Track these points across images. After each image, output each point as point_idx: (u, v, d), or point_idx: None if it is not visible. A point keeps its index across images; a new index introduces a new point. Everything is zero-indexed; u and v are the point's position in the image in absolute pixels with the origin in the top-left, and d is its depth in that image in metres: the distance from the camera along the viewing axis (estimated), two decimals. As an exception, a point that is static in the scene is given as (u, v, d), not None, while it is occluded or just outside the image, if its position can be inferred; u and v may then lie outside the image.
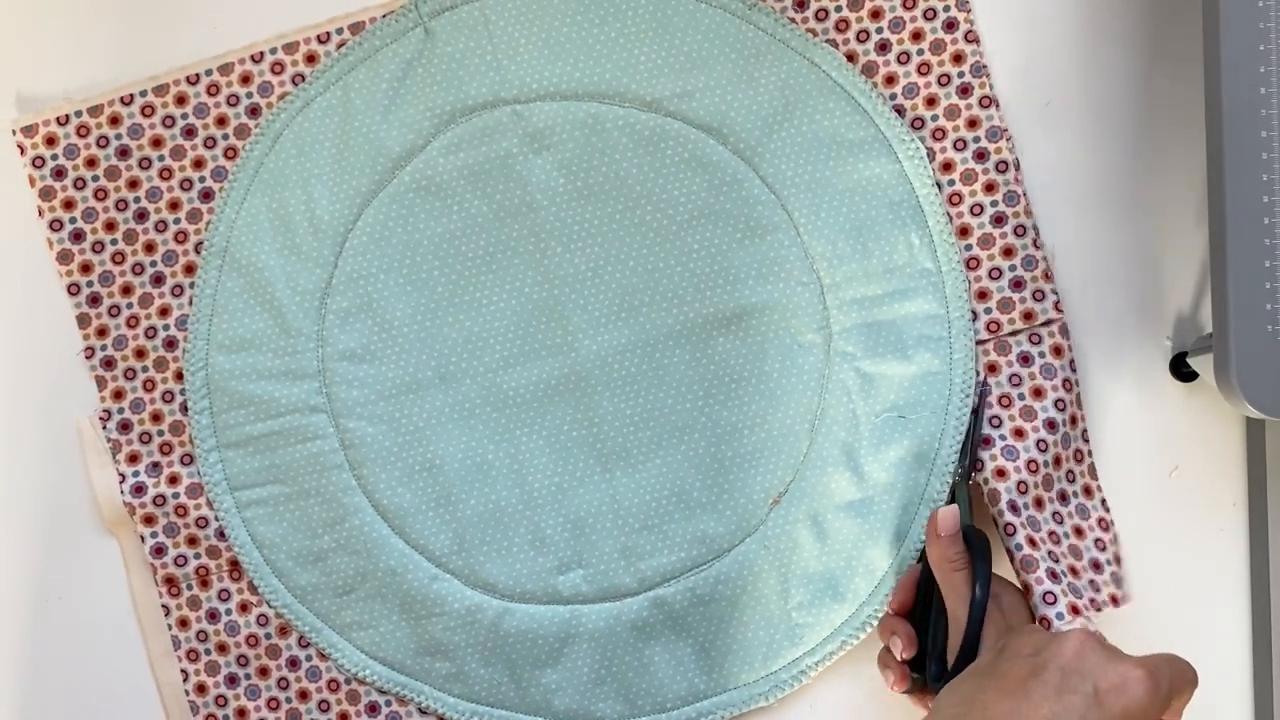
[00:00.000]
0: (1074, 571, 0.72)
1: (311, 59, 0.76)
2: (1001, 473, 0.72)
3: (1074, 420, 0.74)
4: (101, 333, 0.77)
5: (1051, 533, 0.72)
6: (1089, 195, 0.76)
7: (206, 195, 0.77)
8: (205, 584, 0.77)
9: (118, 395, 0.77)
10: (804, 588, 0.74)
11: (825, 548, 0.74)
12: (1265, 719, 0.75)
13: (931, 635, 0.70)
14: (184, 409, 0.77)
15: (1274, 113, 0.67)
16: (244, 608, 0.77)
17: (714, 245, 0.74)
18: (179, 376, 0.77)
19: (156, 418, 0.77)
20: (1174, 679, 0.60)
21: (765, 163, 0.74)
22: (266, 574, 0.77)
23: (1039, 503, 0.72)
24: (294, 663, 0.77)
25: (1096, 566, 0.73)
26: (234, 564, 0.77)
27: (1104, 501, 0.75)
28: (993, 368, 0.74)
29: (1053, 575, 0.69)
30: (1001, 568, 0.70)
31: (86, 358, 0.78)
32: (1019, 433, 0.73)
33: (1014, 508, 0.71)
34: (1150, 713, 0.58)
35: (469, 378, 0.75)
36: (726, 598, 0.74)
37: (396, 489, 0.75)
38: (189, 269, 0.77)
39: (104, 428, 0.77)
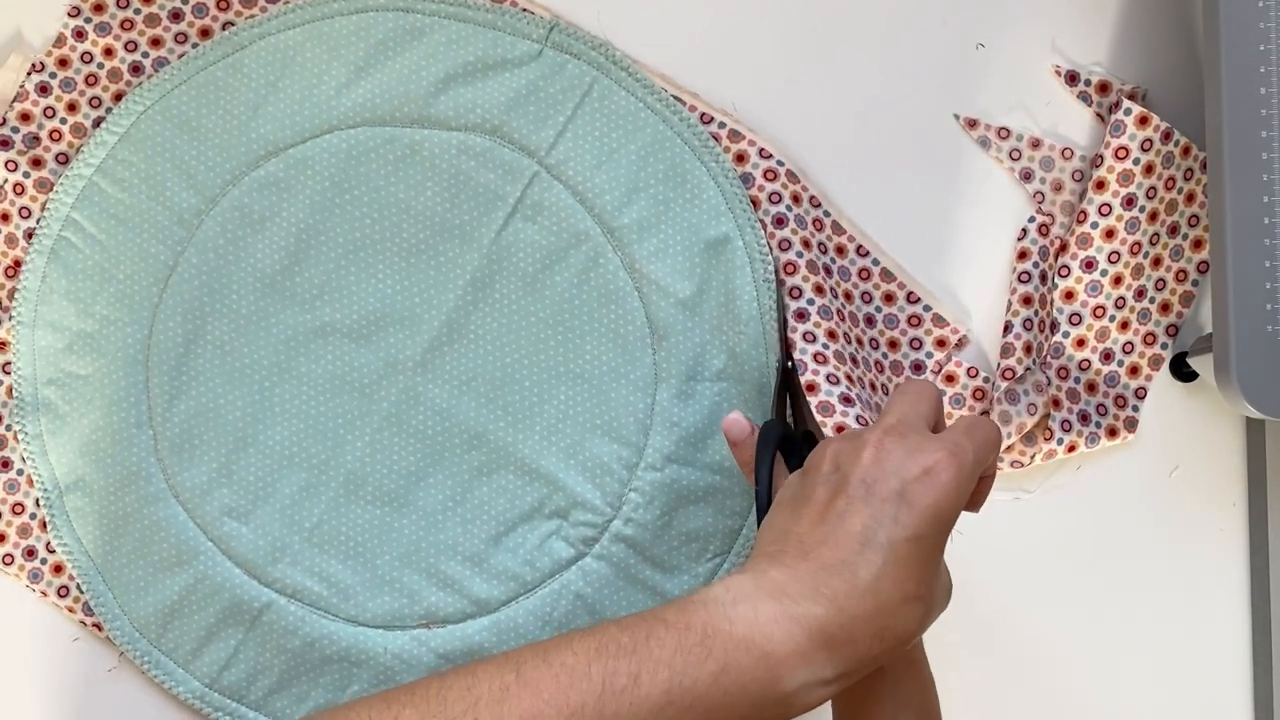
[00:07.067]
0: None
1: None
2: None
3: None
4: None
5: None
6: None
7: (205, 33, 0.76)
8: None
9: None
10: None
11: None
12: (1265, 719, 0.76)
13: None
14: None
15: (1274, 113, 0.68)
16: None
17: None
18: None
19: (38, 162, 0.76)
20: (978, 448, 0.58)
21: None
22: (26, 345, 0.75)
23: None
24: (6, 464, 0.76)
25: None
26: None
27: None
28: None
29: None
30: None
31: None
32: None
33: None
34: (960, 490, 0.57)
35: (304, 312, 0.75)
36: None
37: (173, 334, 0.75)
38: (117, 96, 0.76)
39: None
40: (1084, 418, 0.75)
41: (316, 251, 0.75)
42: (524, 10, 0.75)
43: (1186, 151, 0.75)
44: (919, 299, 0.76)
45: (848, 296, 0.75)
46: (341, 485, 0.75)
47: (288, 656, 0.74)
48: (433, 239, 0.75)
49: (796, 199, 0.75)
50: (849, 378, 0.72)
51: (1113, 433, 0.76)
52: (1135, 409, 0.76)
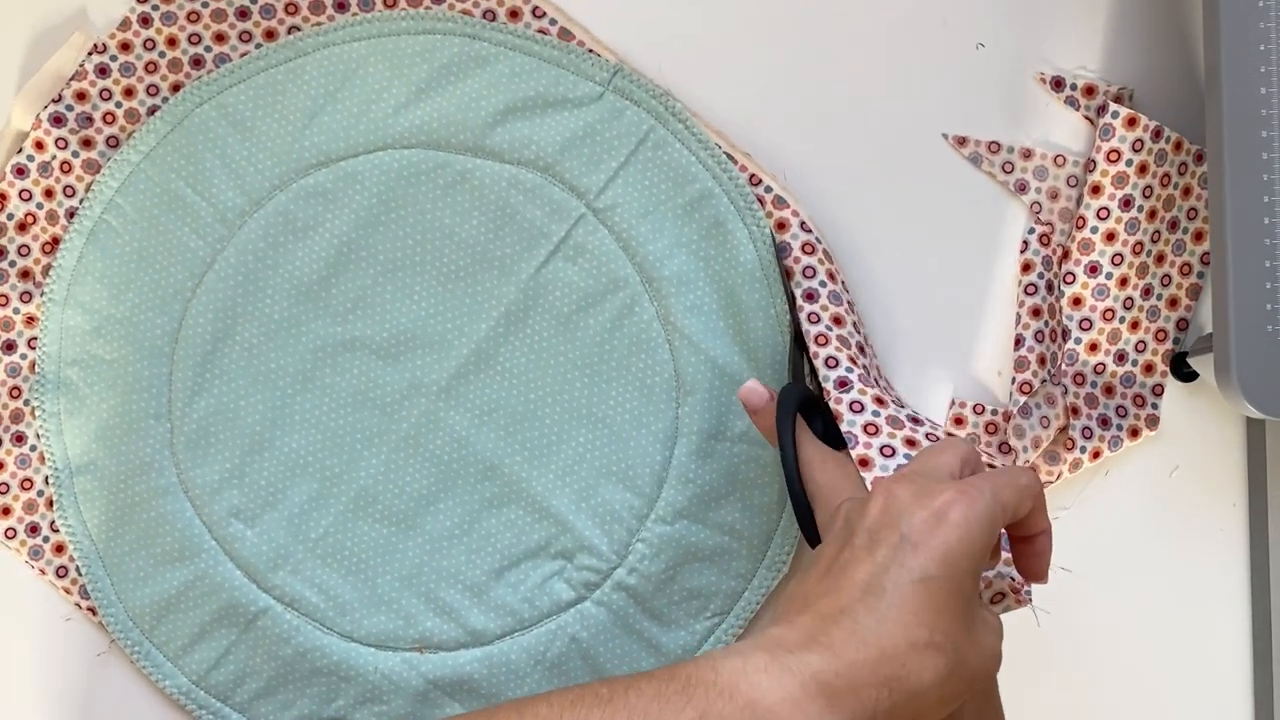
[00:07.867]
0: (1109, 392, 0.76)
1: (515, 15, 0.76)
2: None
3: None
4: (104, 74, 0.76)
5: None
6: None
7: (269, 34, 0.76)
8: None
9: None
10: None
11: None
12: (1265, 719, 0.76)
13: None
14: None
15: (1274, 113, 0.69)
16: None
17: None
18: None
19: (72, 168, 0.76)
20: (998, 489, 0.56)
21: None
22: (53, 310, 0.75)
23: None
24: (20, 438, 0.76)
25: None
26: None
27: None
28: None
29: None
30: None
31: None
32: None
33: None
34: (975, 529, 0.54)
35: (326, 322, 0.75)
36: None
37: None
38: (175, 87, 0.76)
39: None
40: (1104, 422, 0.75)
41: (355, 266, 0.75)
42: (590, 51, 0.76)
43: (1178, 147, 0.75)
44: (905, 406, 0.76)
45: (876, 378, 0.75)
46: (351, 500, 0.75)
47: (278, 664, 0.75)
48: (472, 267, 0.75)
49: (832, 276, 0.75)
50: (908, 441, 0.69)
51: (1135, 433, 0.76)
52: (1155, 406, 0.76)
